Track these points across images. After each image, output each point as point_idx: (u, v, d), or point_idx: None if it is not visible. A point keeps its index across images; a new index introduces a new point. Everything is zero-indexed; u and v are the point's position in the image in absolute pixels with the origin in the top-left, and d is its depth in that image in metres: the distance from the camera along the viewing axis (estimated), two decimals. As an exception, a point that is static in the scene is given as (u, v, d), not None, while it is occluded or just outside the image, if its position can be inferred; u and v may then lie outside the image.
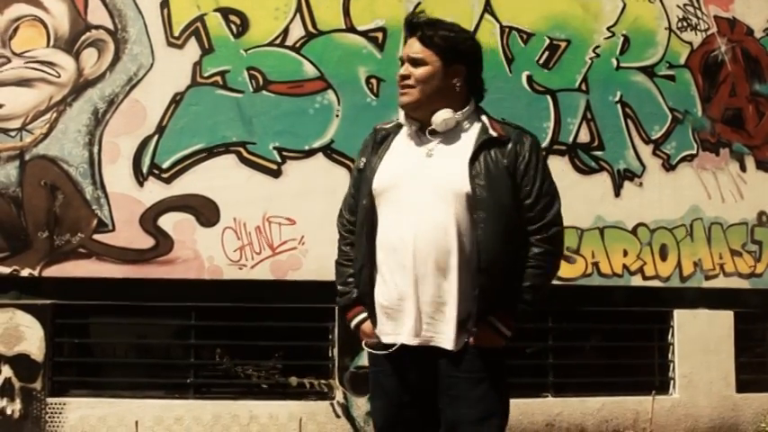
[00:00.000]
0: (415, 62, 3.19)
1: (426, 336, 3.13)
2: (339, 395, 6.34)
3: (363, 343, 3.29)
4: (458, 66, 3.21)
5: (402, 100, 3.23)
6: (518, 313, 3.16)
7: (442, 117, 3.17)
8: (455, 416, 3.13)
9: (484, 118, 3.26)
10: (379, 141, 3.31)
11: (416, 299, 3.11)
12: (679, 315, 7.03)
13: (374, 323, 3.23)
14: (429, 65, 3.18)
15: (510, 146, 3.16)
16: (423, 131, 3.22)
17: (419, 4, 6.65)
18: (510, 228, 3.11)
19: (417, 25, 3.24)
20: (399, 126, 3.31)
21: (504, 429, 3.21)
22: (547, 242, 3.17)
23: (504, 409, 3.21)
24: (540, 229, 3.17)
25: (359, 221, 3.28)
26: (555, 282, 3.34)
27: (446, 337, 3.11)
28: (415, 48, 3.21)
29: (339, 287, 3.37)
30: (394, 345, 3.16)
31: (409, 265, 3.10)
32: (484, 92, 3.35)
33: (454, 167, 3.13)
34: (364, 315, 3.27)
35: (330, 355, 6.45)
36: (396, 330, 3.17)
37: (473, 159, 3.12)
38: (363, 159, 3.33)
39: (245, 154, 6.37)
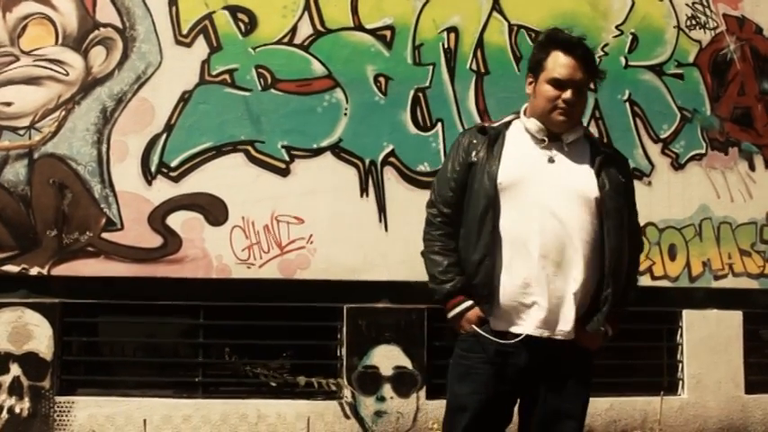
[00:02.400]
0: (581, 91, 3.42)
1: (549, 329, 3.32)
2: (347, 394, 6.33)
3: (472, 329, 3.38)
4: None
5: (563, 121, 3.40)
6: (622, 314, 3.48)
7: (576, 135, 3.45)
8: (556, 407, 3.35)
9: (586, 132, 3.55)
10: (494, 138, 3.47)
11: (542, 292, 3.31)
12: (688, 315, 7.02)
13: (484, 312, 3.39)
14: (586, 93, 3.48)
15: (621, 164, 3.54)
16: (544, 139, 3.44)
17: (427, 2, 6.65)
18: (626, 237, 3.45)
19: (580, 47, 3.45)
20: (507, 125, 3.53)
21: None
22: (638, 250, 3.68)
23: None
24: (632, 235, 3.57)
25: (478, 213, 3.38)
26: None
27: (565, 332, 3.33)
28: (581, 76, 3.40)
29: (438, 276, 3.46)
30: (506, 332, 3.35)
31: (536, 260, 3.30)
32: None
33: (581, 175, 3.39)
34: (469, 303, 3.40)
35: (338, 354, 6.45)
36: (517, 321, 3.34)
37: (599, 171, 3.39)
38: (475, 154, 3.45)
39: (254, 152, 6.36)
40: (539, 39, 3.58)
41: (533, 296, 3.30)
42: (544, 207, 3.31)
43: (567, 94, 3.36)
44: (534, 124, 3.44)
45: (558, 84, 3.38)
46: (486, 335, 3.35)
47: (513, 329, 3.34)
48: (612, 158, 3.48)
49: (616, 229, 3.36)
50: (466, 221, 3.43)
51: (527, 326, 3.31)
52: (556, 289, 3.30)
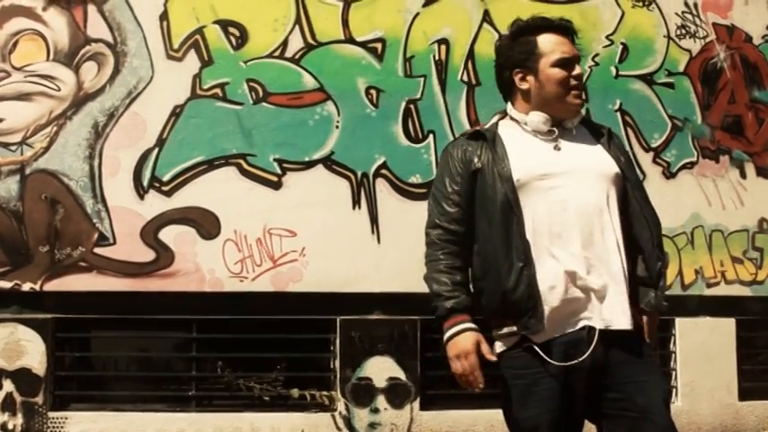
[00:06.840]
0: (579, 64, 3.28)
1: (607, 319, 3.06)
2: (341, 407, 6.32)
3: (466, 368, 3.05)
4: None
5: (578, 103, 3.24)
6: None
7: (579, 117, 3.32)
8: (644, 402, 3.05)
9: None
10: (492, 140, 3.24)
11: (591, 282, 3.05)
12: (681, 323, 7.01)
13: (534, 320, 3.04)
14: None
15: (618, 139, 3.42)
16: (553, 130, 3.26)
17: (417, 14, 6.67)
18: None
19: (571, 29, 3.29)
20: (496, 126, 3.32)
21: None
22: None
23: None
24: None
25: (501, 219, 3.11)
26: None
27: (625, 319, 3.07)
28: (577, 53, 3.27)
29: (444, 293, 3.12)
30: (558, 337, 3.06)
31: (578, 251, 3.06)
32: None
33: (593, 154, 3.25)
34: (471, 325, 3.09)
35: (332, 366, 6.44)
36: (572, 320, 3.06)
37: (608, 146, 3.29)
38: (477, 160, 3.22)
39: (246, 166, 6.37)
40: (513, 31, 3.29)
41: (583, 290, 3.04)
42: (568, 194, 3.09)
43: (577, 69, 3.21)
44: (539, 116, 3.21)
45: (564, 63, 3.19)
46: (552, 361, 3.02)
47: (571, 330, 3.05)
48: (612, 134, 3.37)
49: (645, 198, 3.28)
50: (486, 234, 3.14)
51: (589, 320, 3.04)
52: (603, 276, 3.05)
